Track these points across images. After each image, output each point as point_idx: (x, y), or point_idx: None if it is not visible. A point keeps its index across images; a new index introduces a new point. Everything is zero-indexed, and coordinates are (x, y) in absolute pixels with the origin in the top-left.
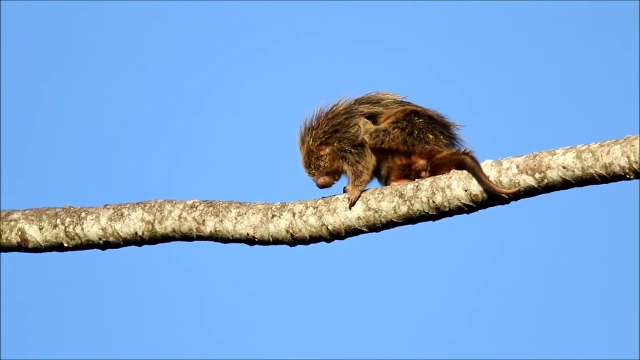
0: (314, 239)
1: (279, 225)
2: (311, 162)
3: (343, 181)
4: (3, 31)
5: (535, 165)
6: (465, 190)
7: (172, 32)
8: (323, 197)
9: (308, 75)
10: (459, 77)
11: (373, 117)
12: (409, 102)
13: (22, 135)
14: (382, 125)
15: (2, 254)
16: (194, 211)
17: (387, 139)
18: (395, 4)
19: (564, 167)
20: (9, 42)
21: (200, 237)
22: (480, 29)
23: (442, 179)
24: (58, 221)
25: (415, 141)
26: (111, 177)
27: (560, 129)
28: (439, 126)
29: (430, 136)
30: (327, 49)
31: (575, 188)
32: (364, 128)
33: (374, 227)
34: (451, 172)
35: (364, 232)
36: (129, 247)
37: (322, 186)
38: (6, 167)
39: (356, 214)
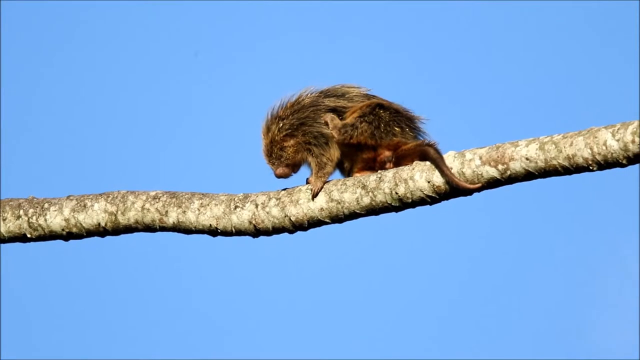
0: (276, 230)
1: (242, 217)
2: (273, 151)
3: (302, 173)
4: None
5: (498, 156)
6: (428, 182)
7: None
8: (286, 189)
9: (287, 72)
10: (432, 70)
11: (338, 111)
12: (374, 95)
13: None
14: (349, 120)
15: None
16: (157, 202)
17: (356, 133)
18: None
19: (527, 159)
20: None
21: (163, 228)
22: (456, 22)
23: (405, 171)
24: (21, 212)
25: (383, 134)
26: (75, 169)
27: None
28: (405, 119)
29: (397, 129)
30: (311, 45)
31: (539, 180)
32: (332, 124)
33: (337, 219)
34: (414, 163)
35: (326, 223)
36: (92, 238)
37: (279, 176)
38: None
39: (319, 205)
